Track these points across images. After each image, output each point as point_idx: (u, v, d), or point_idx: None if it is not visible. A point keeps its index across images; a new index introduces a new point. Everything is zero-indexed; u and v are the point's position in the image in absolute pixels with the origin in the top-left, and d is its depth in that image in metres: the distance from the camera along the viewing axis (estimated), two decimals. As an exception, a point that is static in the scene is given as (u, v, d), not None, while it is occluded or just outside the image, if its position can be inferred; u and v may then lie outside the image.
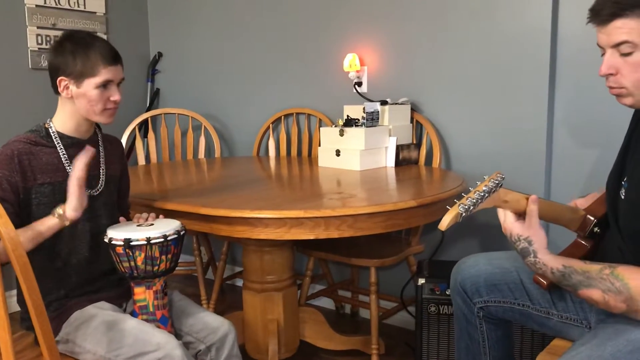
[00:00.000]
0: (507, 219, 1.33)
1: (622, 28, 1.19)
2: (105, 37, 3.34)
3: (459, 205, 1.19)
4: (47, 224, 1.43)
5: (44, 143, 1.54)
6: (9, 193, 1.45)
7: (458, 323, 1.68)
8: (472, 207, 1.19)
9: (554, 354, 1.46)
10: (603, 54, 1.26)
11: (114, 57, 1.54)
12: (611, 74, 1.25)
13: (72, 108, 1.55)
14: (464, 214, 1.18)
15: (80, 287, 1.60)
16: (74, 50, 1.50)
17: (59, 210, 1.44)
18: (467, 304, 1.61)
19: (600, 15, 1.22)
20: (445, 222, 1.18)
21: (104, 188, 1.65)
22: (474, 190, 1.22)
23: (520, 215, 1.33)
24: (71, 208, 1.44)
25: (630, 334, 1.21)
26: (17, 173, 1.47)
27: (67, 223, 1.45)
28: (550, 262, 1.27)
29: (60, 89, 1.53)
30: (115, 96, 1.56)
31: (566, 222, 1.45)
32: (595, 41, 2.25)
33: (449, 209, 1.19)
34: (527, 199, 1.32)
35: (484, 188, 1.23)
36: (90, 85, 1.51)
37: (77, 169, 1.44)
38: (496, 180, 1.26)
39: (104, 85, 1.53)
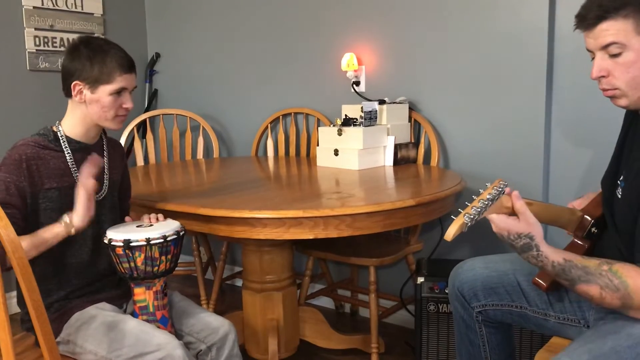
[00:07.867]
0: (500, 220, 1.26)
1: (609, 30, 1.21)
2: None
3: (464, 215, 1.18)
4: (53, 231, 1.44)
5: (51, 147, 1.54)
6: (16, 198, 1.45)
7: (458, 328, 1.68)
8: (477, 216, 1.19)
9: (552, 351, 1.47)
10: (593, 58, 1.28)
11: (129, 66, 1.56)
12: (603, 77, 1.27)
13: (83, 113, 1.56)
14: (469, 224, 1.18)
15: (81, 288, 1.60)
16: (91, 56, 1.51)
17: (66, 218, 1.45)
18: (465, 309, 1.62)
19: (587, 20, 1.24)
20: (451, 233, 1.18)
21: (107, 193, 1.66)
22: (477, 199, 1.22)
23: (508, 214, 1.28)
24: (78, 216, 1.45)
25: (630, 329, 1.21)
26: (25, 178, 1.47)
27: (73, 232, 1.45)
28: (552, 255, 1.25)
29: (74, 93, 1.54)
30: (128, 104, 1.57)
31: (564, 224, 1.45)
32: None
33: (454, 219, 1.19)
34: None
35: (487, 196, 1.22)
36: (104, 92, 1.53)
37: (85, 177, 1.45)
38: (499, 188, 1.25)
39: (118, 92, 1.54)
